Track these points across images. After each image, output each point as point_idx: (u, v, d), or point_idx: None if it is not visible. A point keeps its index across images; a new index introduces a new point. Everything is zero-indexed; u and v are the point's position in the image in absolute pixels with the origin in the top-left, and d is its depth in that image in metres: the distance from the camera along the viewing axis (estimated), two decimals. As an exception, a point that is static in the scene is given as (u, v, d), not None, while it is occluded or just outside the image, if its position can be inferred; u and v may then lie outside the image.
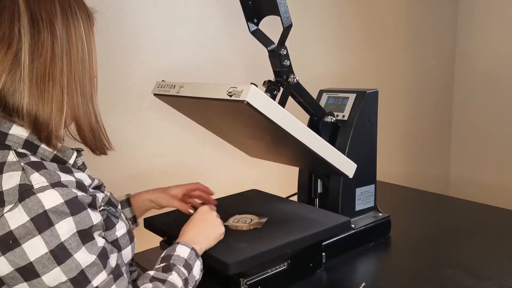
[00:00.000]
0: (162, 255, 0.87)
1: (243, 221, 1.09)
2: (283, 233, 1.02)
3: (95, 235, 0.72)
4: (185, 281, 0.82)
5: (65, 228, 0.66)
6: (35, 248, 0.65)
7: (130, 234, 0.84)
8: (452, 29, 2.72)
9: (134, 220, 1.11)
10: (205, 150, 1.77)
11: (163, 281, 0.79)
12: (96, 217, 0.72)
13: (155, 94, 1.13)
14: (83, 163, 0.84)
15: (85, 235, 0.69)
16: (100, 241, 0.73)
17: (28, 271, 0.65)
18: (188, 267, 0.85)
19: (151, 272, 0.82)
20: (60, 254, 0.66)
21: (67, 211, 0.67)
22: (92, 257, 0.69)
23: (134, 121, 1.60)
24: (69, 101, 0.74)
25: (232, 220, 1.10)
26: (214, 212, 0.99)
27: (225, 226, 1.01)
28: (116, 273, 0.73)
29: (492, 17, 2.58)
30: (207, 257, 0.98)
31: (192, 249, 0.88)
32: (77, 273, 0.67)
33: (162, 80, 1.12)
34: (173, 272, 0.82)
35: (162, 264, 0.84)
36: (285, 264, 1.03)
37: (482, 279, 1.04)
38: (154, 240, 1.18)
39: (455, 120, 2.83)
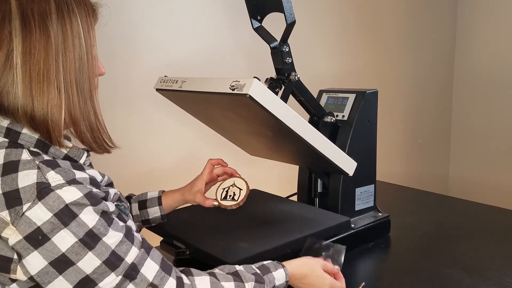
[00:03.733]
0: (265, 263, 0.86)
1: (230, 196, 1.05)
2: (283, 233, 1.02)
3: (114, 217, 0.75)
4: None
5: (89, 216, 0.68)
6: (64, 240, 0.66)
7: (137, 233, 0.85)
8: (451, 29, 2.72)
9: (162, 218, 1.10)
10: (206, 149, 1.77)
11: (239, 281, 0.79)
12: (111, 206, 0.74)
13: (157, 89, 1.13)
14: (90, 164, 0.84)
15: (107, 218, 0.71)
16: (120, 222, 0.75)
17: (62, 262, 0.66)
18: None
19: (237, 267, 0.82)
20: (89, 240, 0.68)
21: (87, 203, 0.68)
22: (119, 236, 0.71)
23: (136, 118, 1.60)
24: (66, 100, 0.73)
25: (220, 195, 1.06)
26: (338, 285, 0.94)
27: (216, 203, 1.02)
28: (146, 246, 0.75)
29: (491, 17, 2.58)
30: (207, 256, 0.98)
31: (286, 282, 0.86)
32: (109, 254, 0.69)
33: (165, 75, 1.12)
34: (254, 284, 0.80)
35: (258, 271, 0.83)
36: (285, 264, 1.03)
37: (482, 279, 1.04)
38: (154, 240, 1.18)
39: (454, 120, 2.83)
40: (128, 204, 0.87)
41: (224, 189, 1.07)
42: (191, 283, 0.77)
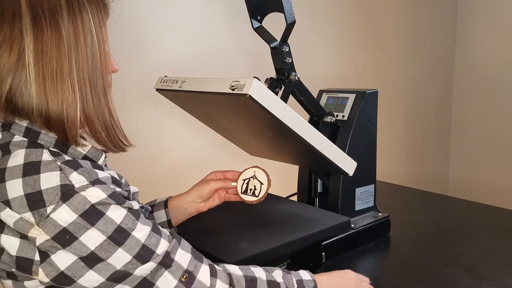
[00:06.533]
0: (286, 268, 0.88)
1: (251, 190, 1.00)
2: (283, 233, 1.02)
3: (140, 211, 0.74)
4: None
5: (116, 213, 0.68)
6: (92, 239, 0.66)
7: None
8: (451, 29, 2.72)
9: (169, 225, 1.06)
10: (207, 149, 1.77)
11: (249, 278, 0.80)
12: (136, 205, 0.74)
13: (157, 89, 1.13)
14: (106, 165, 0.83)
15: (134, 212, 0.71)
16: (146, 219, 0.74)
17: (92, 259, 0.66)
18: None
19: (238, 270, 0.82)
20: (118, 236, 0.67)
21: (112, 202, 0.68)
22: (148, 229, 0.71)
23: (136, 118, 1.60)
24: (80, 99, 0.72)
25: (240, 187, 1.01)
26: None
27: (241, 196, 0.99)
28: (176, 237, 0.76)
29: (491, 17, 2.58)
30: (207, 256, 0.98)
31: (314, 281, 0.85)
32: (139, 248, 0.69)
33: (165, 75, 1.12)
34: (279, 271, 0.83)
35: (278, 270, 0.84)
36: (285, 264, 1.03)
37: (482, 279, 1.04)
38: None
39: (454, 120, 2.83)
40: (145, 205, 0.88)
41: (244, 180, 1.01)
42: (223, 268, 0.79)
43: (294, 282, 0.83)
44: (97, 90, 0.74)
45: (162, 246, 0.72)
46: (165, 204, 1.06)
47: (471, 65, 2.70)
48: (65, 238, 0.65)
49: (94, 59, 0.73)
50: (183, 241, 0.77)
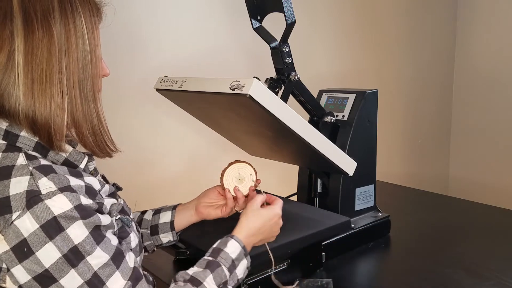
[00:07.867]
0: (214, 245, 0.85)
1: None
2: (283, 233, 1.02)
3: (108, 233, 0.71)
4: (224, 284, 0.80)
5: (77, 231, 0.66)
6: (48, 254, 0.64)
7: (140, 245, 0.83)
8: (451, 29, 2.72)
9: (172, 227, 1.04)
10: (207, 149, 1.77)
11: (198, 284, 0.77)
12: (105, 219, 0.71)
13: (157, 89, 1.13)
14: (95, 168, 0.82)
15: (98, 235, 0.68)
16: (114, 240, 0.72)
17: (46, 278, 0.65)
18: (233, 267, 0.83)
19: (190, 271, 0.80)
20: (73, 257, 0.65)
21: (77, 216, 0.66)
22: (105, 258, 0.68)
23: (136, 118, 1.60)
24: (69, 103, 0.71)
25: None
26: (280, 213, 0.95)
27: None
28: (134, 277, 0.72)
29: (491, 18, 2.58)
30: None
31: (243, 248, 0.85)
32: (91, 275, 0.66)
33: (165, 75, 1.12)
34: (211, 276, 0.79)
35: (209, 258, 0.82)
36: (285, 264, 1.03)
37: (482, 279, 1.04)
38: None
39: (454, 120, 2.83)
40: (132, 216, 0.85)
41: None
42: None
43: (227, 274, 0.81)
44: (87, 94, 0.73)
45: (116, 281, 0.68)
46: (175, 206, 1.07)
47: (471, 65, 2.70)
48: (22, 251, 0.63)
49: (85, 63, 0.72)
50: (141, 284, 0.72)
